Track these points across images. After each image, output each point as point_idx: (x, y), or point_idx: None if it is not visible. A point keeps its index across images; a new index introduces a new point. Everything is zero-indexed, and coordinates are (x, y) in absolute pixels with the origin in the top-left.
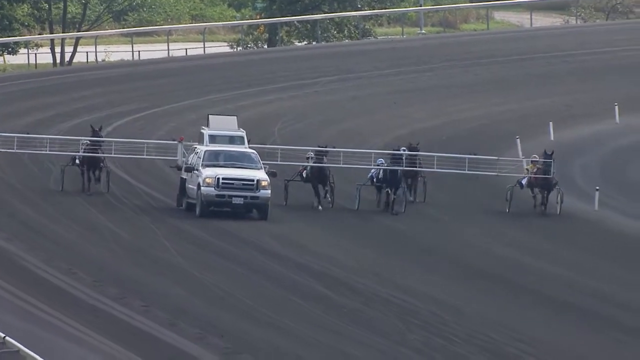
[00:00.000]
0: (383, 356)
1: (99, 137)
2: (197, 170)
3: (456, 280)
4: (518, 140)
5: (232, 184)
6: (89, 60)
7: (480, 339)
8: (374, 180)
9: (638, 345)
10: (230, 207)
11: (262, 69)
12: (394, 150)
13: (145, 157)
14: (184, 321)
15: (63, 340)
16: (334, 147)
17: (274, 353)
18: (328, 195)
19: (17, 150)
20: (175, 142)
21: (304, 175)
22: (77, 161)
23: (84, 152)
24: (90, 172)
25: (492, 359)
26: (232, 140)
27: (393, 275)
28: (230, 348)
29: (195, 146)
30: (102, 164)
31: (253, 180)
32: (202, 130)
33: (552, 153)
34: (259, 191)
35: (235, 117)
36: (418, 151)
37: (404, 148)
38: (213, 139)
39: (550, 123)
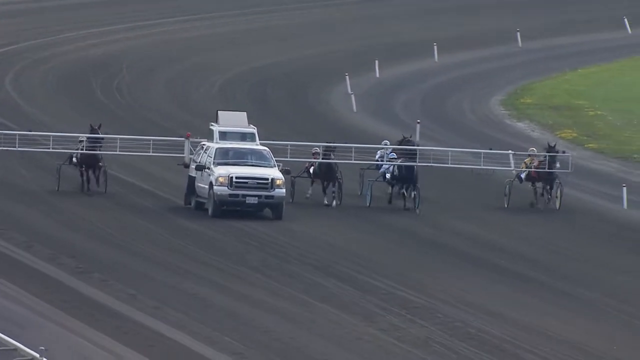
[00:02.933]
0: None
1: (97, 134)
2: (208, 168)
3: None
4: (347, 77)
5: (246, 183)
6: None
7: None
8: (387, 176)
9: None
10: (244, 207)
11: (109, 10)
12: (404, 144)
13: (151, 154)
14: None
15: None
16: (346, 143)
17: (123, 270)
18: (335, 197)
19: (19, 149)
20: (182, 138)
21: (311, 171)
22: (75, 160)
23: (81, 150)
24: (89, 171)
25: None
26: (242, 137)
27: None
28: (81, 267)
29: (203, 143)
30: (100, 164)
31: (267, 179)
32: (212, 127)
33: (555, 145)
34: (274, 190)
35: (245, 113)
36: (413, 145)
37: (386, 141)
38: (223, 135)
39: (376, 61)
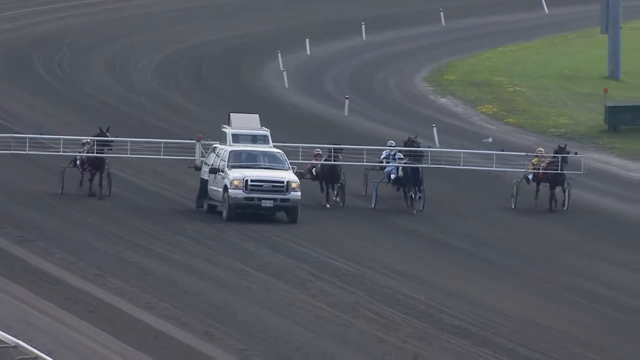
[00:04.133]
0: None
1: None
2: (222, 171)
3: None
4: (279, 54)
5: (261, 186)
6: None
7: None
8: (392, 177)
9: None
10: (260, 210)
11: None
12: (409, 144)
13: (162, 157)
14: None
15: None
16: (355, 145)
17: (65, 240)
18: (338, 197)
19: (29, 152)
20: (193, 141)
21: (314, 172)
22: (79, 162)
23: (87, 153)
24: (95, 174)
25: None
26: (255, 139)
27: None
28: (25, 236)
29: (215, 145)
30: (106, 166)
31: (283, 182)
32: (224, 129)
33: (565, 146)
34: (289, 193)
35: (258, 115)
36: (419, 146)
37: (392, 142)
38: (236, 138)
39: (307, 40)
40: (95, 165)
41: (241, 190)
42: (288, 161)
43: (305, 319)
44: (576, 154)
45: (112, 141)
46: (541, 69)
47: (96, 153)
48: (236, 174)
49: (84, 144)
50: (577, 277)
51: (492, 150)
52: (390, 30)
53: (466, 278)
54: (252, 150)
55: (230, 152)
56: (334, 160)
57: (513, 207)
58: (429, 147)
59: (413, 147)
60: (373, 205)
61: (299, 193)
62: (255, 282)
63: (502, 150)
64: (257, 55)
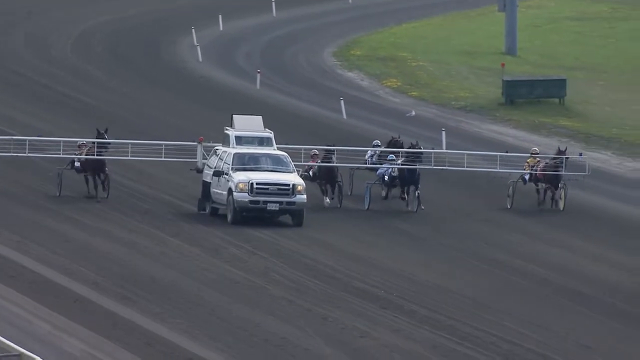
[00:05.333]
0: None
1: (105, 139)
2: (226, 174)
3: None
4: (193, 30)
5: (267, 189)
6: None
7: None
8: (386, 178)
9: None
10: (265, 213)
11: None
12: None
13: (163, 159)
14: None
15: None
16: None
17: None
18: (334, 196)
19: (29, 155)
20: (195, 143)
21: (311, 173)
22: (77, 164)
23: (86, 155)
24: (95, 176)
25: None
26: (259, 141)
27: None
28: None
29: (217, 148)
30: (106, 169)
31: (289, 185)
32: (227, 131)
33: (566, 149)
34: (295, 196)
35: (261, 116)
36: (402, 146)
37: (377, 141)
38: (240, 140)
39: (220, 16)
40: (96, 168)
41: (246, 194)
42: (292, 163)
43: (219, 284)
44: (580, 155)
45: (109, 143)
46: (442, 45)
47: (95, 155)
48: (241, 177)
49: (80, 146)
50: (492, 248)
51: (495, 152)
52: (300, 7)
53: (378, 247)
54: (257, 153)
55: (235, 154)
56: (329, 161)
57: (509, 207)
58: (433, 148)
59: (396, 146)
60: (367, 207)
61: (305, 196)
62: (171, 248)
63: (506, 152)
64: (172, 31)
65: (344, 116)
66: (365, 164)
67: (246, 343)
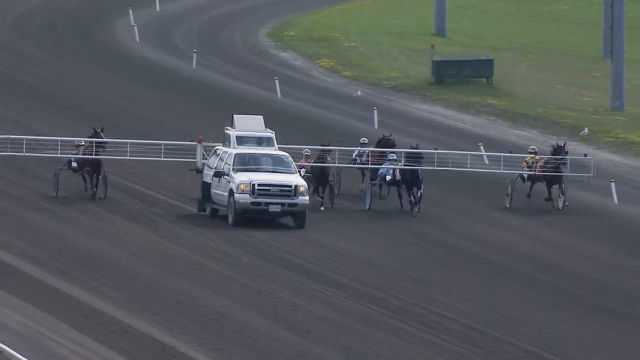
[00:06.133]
0: None
1: (102, 138)
2: (227, 175)
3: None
4: (130, 10)
5: (269, 190)
6: None
7: None
8: (386, 179)
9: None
10: (267, 215)
11: None
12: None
13: (162, 159)
14: None
15: None
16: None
17: None
18: (324, 195)
19: (26, 154)
20: (194, 142)
21: (302, 174)
22: (74, 164)
23: (83, 154)
24: (92, 176)
25: None
26: (260, 141)
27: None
28: None
29: (217, 148)
30: (103, 168)
31: (290, 186)
32: (228, 131)
33: (565, 144)
34: (297, 198)
35: (262, 116)
36: (394, 143)
37: (364, 139)
38: (240, 140)
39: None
40: (93, 167)
41: (248, 195)
42: (294, 164)
43: (156, 259)
44: (585, 155)
45: (106, 142)
46: (374, 26)
47: (92, 154)
48: (242, 178)
49: (77, 146)
50: (429, 226)
51: (499, 152)
52: None
53: (312, 221)
54: (258, 153)
55: (236, 155)
56: (323, 161)
57: (508, 206)
58: (436, 148)
59: (388, 144)
60: (368, 207)
61: (307, 197)
62: (109, 223)
63: (510, 152)
64: (109, 12)
65: (279, 95)
66: (354, 162)
67: (182, 316)
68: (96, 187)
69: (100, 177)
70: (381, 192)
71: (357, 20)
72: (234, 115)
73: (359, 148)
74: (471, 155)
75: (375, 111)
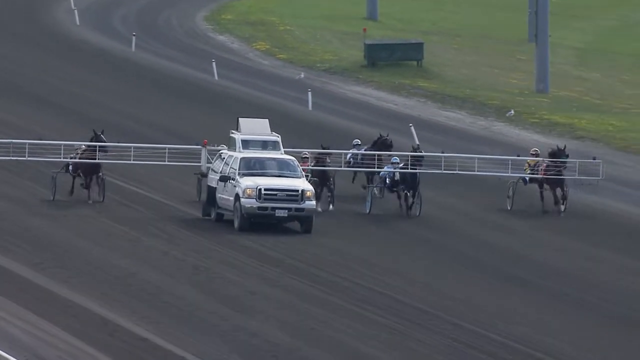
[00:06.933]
0: None
1: (103, 141)
2: (233, 179)
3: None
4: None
5: (275, 195)
6: None
7: None
8: (387, 181)
9: None
10: (273, 220)
11: None
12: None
13: (166, 163)
14: None
15: None
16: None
17: None
18: (330, 201)
19: (29, 159)
20: (199, 146)
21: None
22: (71, 168)
23: (80, 158)
24: (90, 179)
25: None
26: (265, 145)
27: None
28: None
29: (222, 151)
30: (100, 172)
31: (297, 191)
32: (233, 135)
33: (565, 147)
34: (304, 202)
35: (267, 120)
36: (391, 143)
37: (357, 140)
38: (246, 144)
39: None
40: (91, 171)
41: (254, 200)
42: (300, 168)
43: (96, 235)
44: (594, 158)
45: (107, 146)
46: (308, 10)
47: (90, 158)
48: (248, 183)
49: (78, 149)
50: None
51: (508, 155)
52: None
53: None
54: (264, 157)
55: (241, 159)
56: (323, 164)
57: (509, 208)
58: (443, 152)
59: (385, 145)
60: (368, 211)
61: (314, 202)
62: (46, 199)
63: (518, 156)
64: None
65: (216, 77)
66: (349, 164)
67: (122, 291)
68: (88, 188)
69: (98, 180)
70: (383, 194)
71: (292, 4)
72: (240, 119)
73: (352, 150)
74: (478, 159)
75: (310, 93)
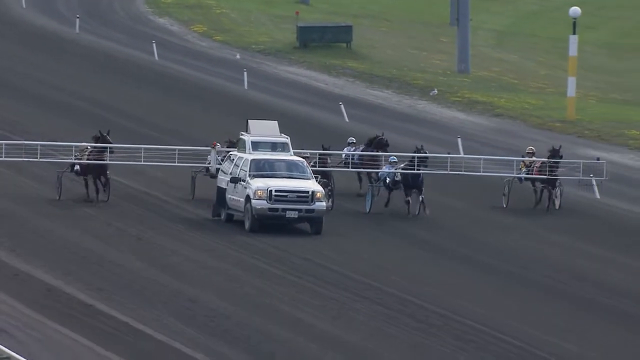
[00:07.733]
0: None
1: (108, 142)
2: (243, 181)
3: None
4: None
5: (286, 196)
6: None
7: None
8: (387, 181)
9: None
10: (284, 221)
11: None
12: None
13: (176, 164)
14: None
15: None
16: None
17: None
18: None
19: (41, 160)
20: (208, 148)
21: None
22: (77, 167)
23: (87, 159)
24: (96, 180)
25: None
26: (275, 146)
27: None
28: None
29: (231, 153)
30: (108, 172)
31: (308, 192)
32: (243, 137)
33: (560, 148)
34: (314, 203)
35: (276, 121)
36: (387, 142)
37: (352, 138)
38: (256, 145)
39: None
40: (98, 171)
41: (265, 201)
42: (310, 169)
43: (41, 208)
44: (598, 159)
45: (110, 146)
46: None
47: (97, 159)
48: (259, 184)
49: (82, 150)
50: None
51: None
52: None
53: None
54: (275, 159)
55: (252, 160)
56: (324, 163)
57: (505, 206)
58: (449, 152)
59: (382, 144)
60: (368, 210)
61: (324, 203)
62: None
63: (523, 157)
64: None
65: (156, 57)
66: (344, 163)
67: (66, 260)
68: (97, 192)
69: (105, 181)
70: (389, 195)
71: None
72: (249, 121)
73: (347, 148)
74: (484, 159)
75: (245, 73)
